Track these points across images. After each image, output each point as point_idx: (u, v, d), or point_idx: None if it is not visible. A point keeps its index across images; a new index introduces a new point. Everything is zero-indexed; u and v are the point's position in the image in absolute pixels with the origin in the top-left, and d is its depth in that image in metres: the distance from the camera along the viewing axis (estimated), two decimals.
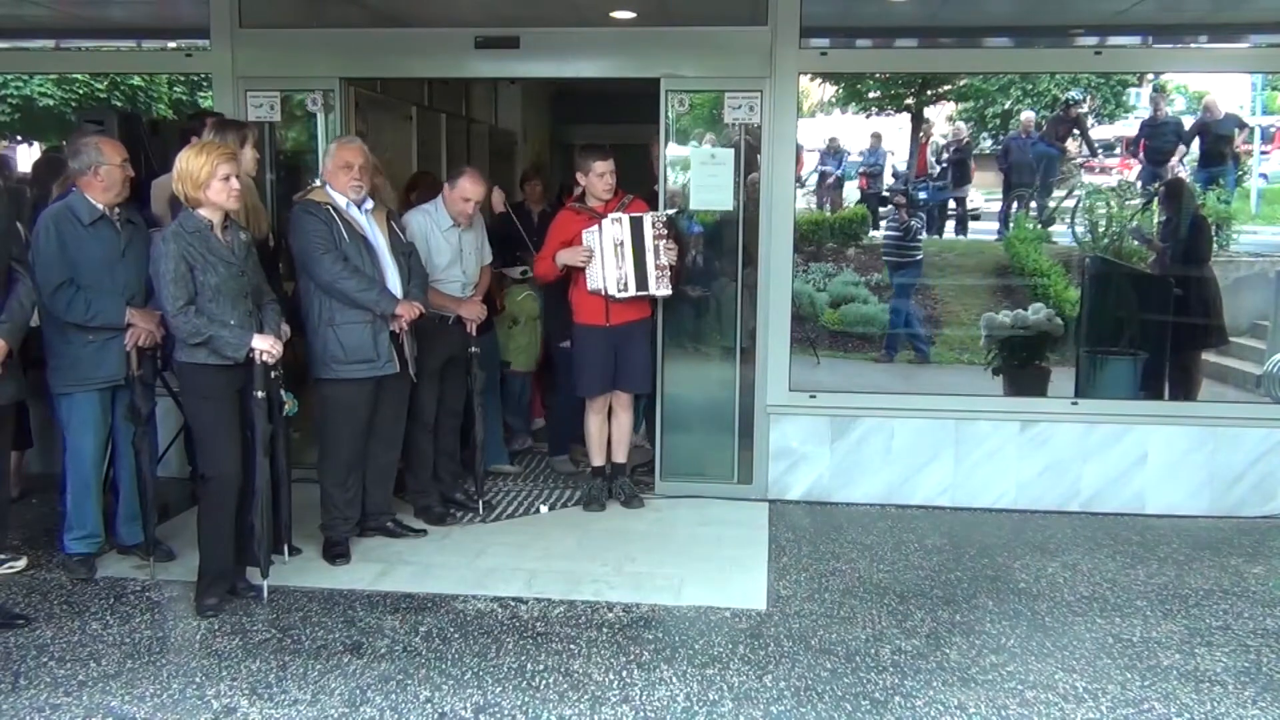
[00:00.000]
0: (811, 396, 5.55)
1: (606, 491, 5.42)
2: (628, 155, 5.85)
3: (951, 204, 8.36)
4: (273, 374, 4.01)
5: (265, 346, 3.93)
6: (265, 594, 4.13)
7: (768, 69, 5.40)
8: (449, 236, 5.03)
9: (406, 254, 4.69)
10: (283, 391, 4.14)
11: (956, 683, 3.58)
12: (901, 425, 5.52)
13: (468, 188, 4.97)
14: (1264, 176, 9.29)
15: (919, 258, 7.32)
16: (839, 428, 5.53)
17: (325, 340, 4.46)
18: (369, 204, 4.61)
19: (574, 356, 5.38)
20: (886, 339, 7.10)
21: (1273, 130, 9.80)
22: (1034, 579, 4.54)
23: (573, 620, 4.03)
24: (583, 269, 5.15)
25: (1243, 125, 8.09)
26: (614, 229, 5.09)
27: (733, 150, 5.49)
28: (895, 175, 8.54)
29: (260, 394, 3.95)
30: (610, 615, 4.08)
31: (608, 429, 5.40)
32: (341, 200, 4.52)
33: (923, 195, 8.17)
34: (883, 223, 7.60)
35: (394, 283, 4.56)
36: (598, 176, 5.19)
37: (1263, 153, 9.32)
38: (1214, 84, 7.75)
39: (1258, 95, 8.70)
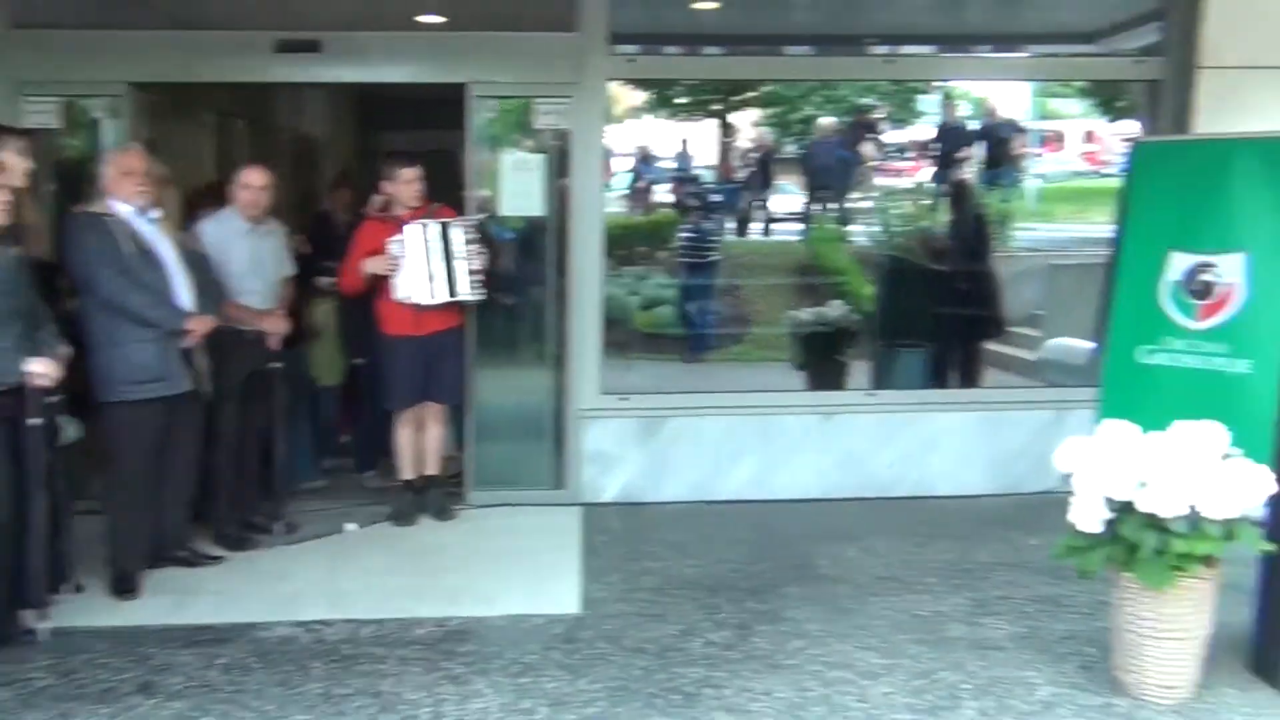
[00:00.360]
0: (623, 399, 5.60)
1: (417, 505, 5.31)
2: (440, 162, 5.76)
3: (757, 206, 8.57)
4: (50, 399, 3.73)
5: (40, 370, 3.67)
6: (44, 637, 3.82)
7: (577, 75, 5.40)
8: (244, 242, 4.81)
9: (198, 265, 4.47)
10: (61, 417, 3.86)
11: (764, 670, 3.67)
12: (710, 423, 5.63)
13: (249, 176, 4.84)
14: (1040, 177, 9.95)
15: (715, 259, 7.49)
16: (649, 428, 5.60)
17: (110, 360, 4.19)
18: (156, 213, 4.36)
19: (382, 368, 5.25)
20: (694, 340, 7.23)
21: (1047, 134, 10.52)
22: (834, 564, 4.70)
23: (382, 640, 3.91)
24: (390, 278, 5.03)
25: (1021, 129, 8.62)
26: (421, 235, 5.01)
27: (543, 156, 5.48)
28: (691, 179, 8.68)
29: (36, 421, 3.67)
30: (421, 631, 3.98)
31: (418, 441, 5.30)
32: (125, 210, 4.26)
33: (717, 198, 8.35)
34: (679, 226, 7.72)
35: (184, 296, 4.32)
36: (405, 184, 5.11)
37: (1038, 155, 9.98)
38: (996, 91, 8.21)
39: (1034, 101, 9.28)
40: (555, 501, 5.50)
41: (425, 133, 7.41)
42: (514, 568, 4.65)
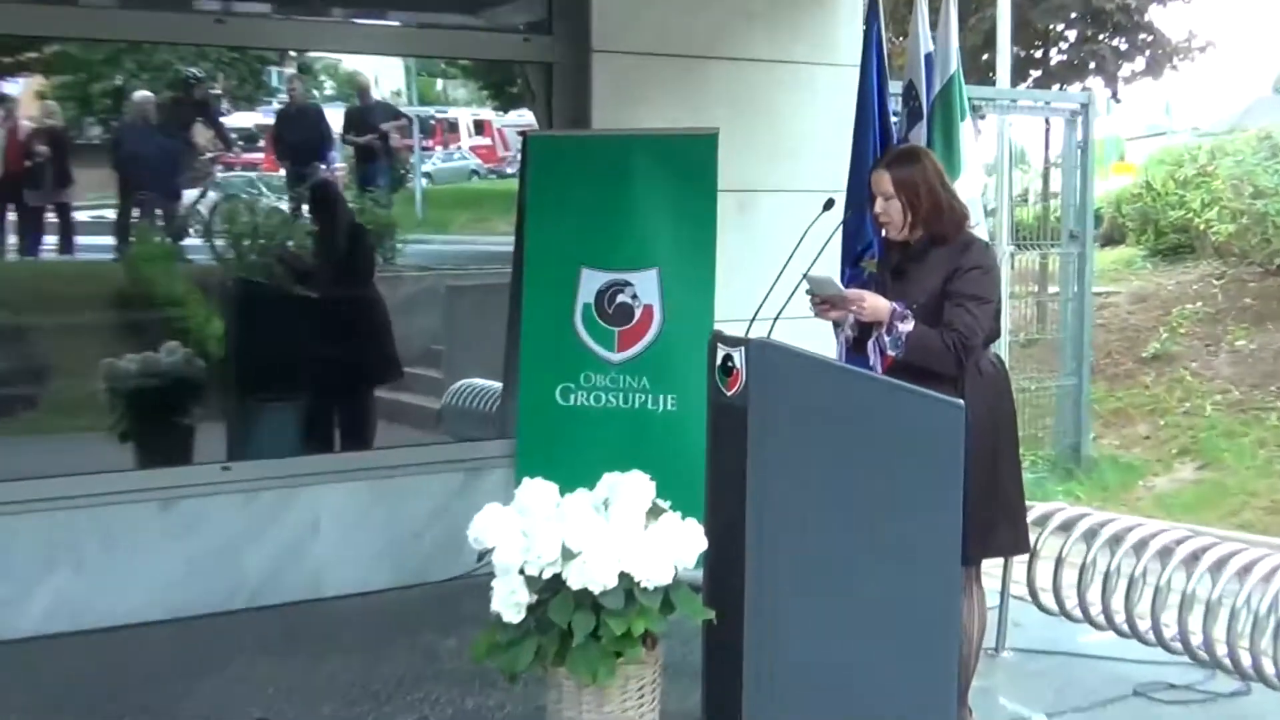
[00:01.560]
0: None
1: None
2: None
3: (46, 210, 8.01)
4: None
5: None
6: None
7: None
8: None
9: None
10: None
11: None
12: None
13: None
14: (428, 176, 10.47)
15: None
16: None
17: None
18: None
19: None
20: None
21: (433, 122, 11.09)
22: (198, 704, 4.54)
23: None
24: None
25: (398, 115, 8.99)
26: None
27: None
28: None
29: None
30: None
31: None
32: None
33: None
34: None
35: None
36: None
37: (425, 149, 10.49)
38: (368, 66, 8.51)
39: (412, 81, 9.76)
40: None
41: None
42: None
